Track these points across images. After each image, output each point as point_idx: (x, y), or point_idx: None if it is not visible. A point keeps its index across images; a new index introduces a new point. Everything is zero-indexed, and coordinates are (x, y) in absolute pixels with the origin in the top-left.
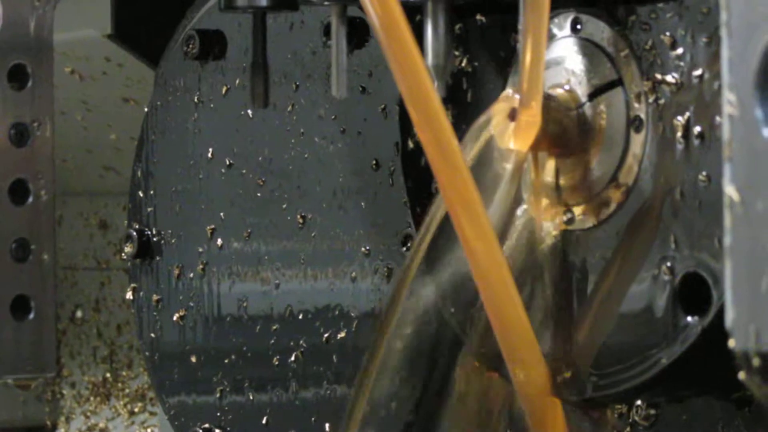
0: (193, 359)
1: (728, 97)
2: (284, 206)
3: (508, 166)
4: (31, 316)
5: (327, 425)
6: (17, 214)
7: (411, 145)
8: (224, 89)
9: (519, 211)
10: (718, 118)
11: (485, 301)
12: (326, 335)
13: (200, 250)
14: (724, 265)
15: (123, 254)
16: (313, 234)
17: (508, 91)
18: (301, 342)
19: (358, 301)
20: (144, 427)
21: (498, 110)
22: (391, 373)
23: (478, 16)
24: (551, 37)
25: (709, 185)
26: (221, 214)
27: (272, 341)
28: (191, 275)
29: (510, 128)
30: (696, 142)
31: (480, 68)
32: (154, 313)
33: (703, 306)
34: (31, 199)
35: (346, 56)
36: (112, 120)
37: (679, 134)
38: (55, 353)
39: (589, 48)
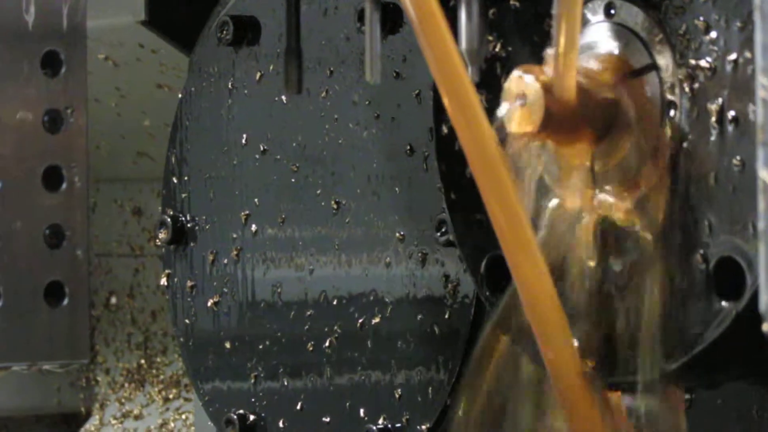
0: (228, 345)
1: (762, 81)
2: (318, 192)
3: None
4: (65, 302)
5: (362, 411)
6: (51, 200)
7: (445, 130)
8: (258, 75)
9: (552, 195)
10: (751, 104)
11: (516, 280)
12: (361, 321)
13: (234, 236)
14: (758, 249)
15: (157, 240)
16: (347, 220)
17: (516, 72)
18: (336, 328)
19: (393, 287)
20: (179, 413)
21: (506, 93)
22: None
23: (512, 1)
24: (585, 22)
25: (743, 170)
26: (255, 200)
27: (306, 327)
28: (225, 261)
29: (518, 111)
30: (730, 126)
31: (514, 53)
32: (189, 300)
33: (738, 290)
34: (65, 186)
35: (380, 42)
36: (146, 106)
37: (713, 119)
38: (89, 339)
39: (622, 33)
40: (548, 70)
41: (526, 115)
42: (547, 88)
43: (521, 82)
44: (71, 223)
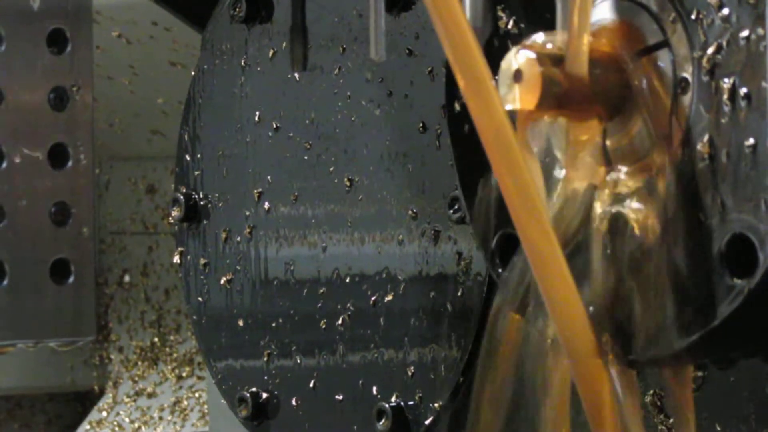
0: (241, 323)
1: None
2: (331, 169)
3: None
4: (71, 280)
5: (374, 388)
6: (57, 178)
7: (458, 107)
8: (271, 53)
9: (561, 173)
10: (763, 81)
11: (529, 256)
12: (373, 298)
13: (247, 213)
14: None
15: (170, 218)
16: (360, 197)
17: (514, 49)
18: (349, 305)
19: (406, 264)
20: (192, 391)
21: (502, 71)
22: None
23: None
24: None
25: (755, 147)
26: (268, 177)
27: (319, 305)
28: (238, 239)
29: (515, 88)
30: (742, 103)
31: (526, 30)
32: (202, 277)
33: (750, 268)
34: (70, 163)
35: (384, 18)
36: (160, 84)
37: (725, 96)
38: (95, 317)
39: (634, 9)
40: (554, 45)
41: (524, 91)
42: (557, 63)
43: (517, 58)
44: (77, 200)
